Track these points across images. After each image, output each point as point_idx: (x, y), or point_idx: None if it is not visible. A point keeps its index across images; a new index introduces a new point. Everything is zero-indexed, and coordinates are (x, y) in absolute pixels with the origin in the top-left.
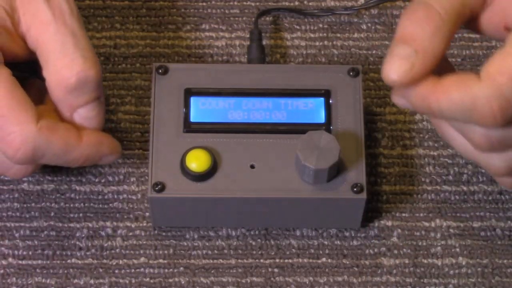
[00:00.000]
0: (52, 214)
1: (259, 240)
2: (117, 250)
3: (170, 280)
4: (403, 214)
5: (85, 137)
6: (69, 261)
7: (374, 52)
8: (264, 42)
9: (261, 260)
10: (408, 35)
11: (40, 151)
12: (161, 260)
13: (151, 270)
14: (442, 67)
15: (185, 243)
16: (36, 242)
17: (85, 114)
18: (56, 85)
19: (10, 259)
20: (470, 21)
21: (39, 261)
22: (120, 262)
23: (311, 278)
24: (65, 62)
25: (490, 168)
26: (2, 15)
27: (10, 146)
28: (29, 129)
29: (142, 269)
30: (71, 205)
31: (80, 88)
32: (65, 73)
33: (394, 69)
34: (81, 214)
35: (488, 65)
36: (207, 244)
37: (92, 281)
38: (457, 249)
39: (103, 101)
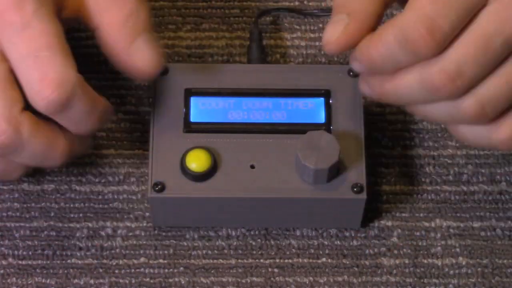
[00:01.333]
0: (52, 214)
1: (259, 240)
2: (117, 250)
3: (170, 280)
4: (403, 214)
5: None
6: (69, 261)
7: None
8: (264, 42)
9: (261, 260)
10: (341, 4)
11: (70, 103)
12: (161, 260)
13: (151, 270)
14: None
15: (185, 243)
16: (36, 242)
17: (142, 43)
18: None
19: (10, 259)
20: None
21: (39, 261)
22: (120, 262)
23: (311, 278)
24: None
25: (464, 113)
26: None
27: (48, 85)
28: (71, 75)
29: (142, 269)
30: (71, 205)
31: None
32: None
33: (329, 34)
34: (81, 214)
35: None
36: (207, 244)
37: (92, 281)
38: (457, 249)
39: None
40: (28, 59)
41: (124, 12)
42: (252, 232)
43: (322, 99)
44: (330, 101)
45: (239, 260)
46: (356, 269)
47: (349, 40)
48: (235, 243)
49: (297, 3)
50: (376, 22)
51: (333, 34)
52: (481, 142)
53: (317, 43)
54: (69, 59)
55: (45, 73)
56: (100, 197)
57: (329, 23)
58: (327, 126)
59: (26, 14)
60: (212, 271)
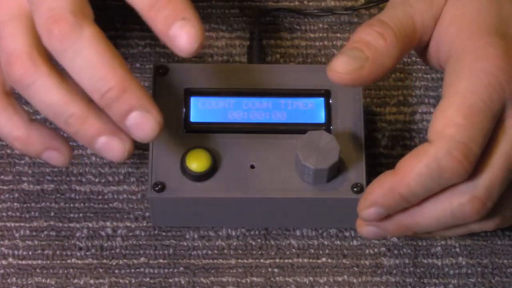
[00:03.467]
0: (52, 214)
1: (259, 240)
2: (117, 250)
3: (170, 280)
4: None
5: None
6: (69, 261)
7: None
8: (264, 42)
9: (261, 260)
10: (363, 42)
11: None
12: (161, 260)
13: (151, 270)
14: None
15: (185, 243)
16: (36, 242)
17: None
18: None
19: (10, 259)
20: (421, 52)
21: (39, 261)
22: (120, 262)
23: (311, 278)
24: None
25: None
26: None
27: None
28: None
29: (142, 269)
30: (71, 205)
31: None
32: None
33: (342, 63)
34: (81, 214)
35: (433, 126)
36: (207, 244)
37: (92, 281)
38: (457, 249)
39: None
40: None
41: None
42: (252, 232)
43: (322, 99)
44: (330, 101)
45: (239, 260)
46: (356, 269)
47: (358, 81)
48: (235, 243)
49: (297, 3)
50: (387, 74)
51: (345, 68)
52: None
53: (317, 43)
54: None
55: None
56: (100, 197)
57: (345, 53)
58: (327, 126)
59: None
60: (212, 271)
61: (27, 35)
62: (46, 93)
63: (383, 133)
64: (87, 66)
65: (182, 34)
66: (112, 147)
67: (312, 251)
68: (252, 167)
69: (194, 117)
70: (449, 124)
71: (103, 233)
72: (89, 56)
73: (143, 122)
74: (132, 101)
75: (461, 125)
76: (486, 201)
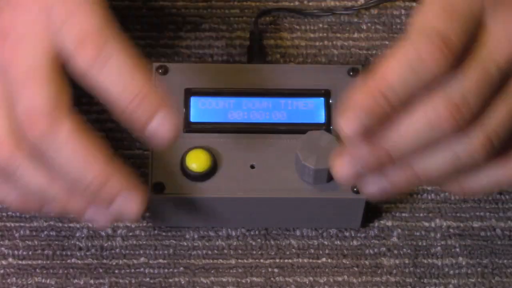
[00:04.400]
0: (52, 214)
1: (259, 240)
2: (117, 250)
3: (170, 280)
4: (403, 214)
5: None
6: (69, 261)
7: (374, 52)
8: (264, 42)
9: (261, 260)
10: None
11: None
12: (161, 260)
13: (151, 270)
14: None
15: (185, 243)
16: (36, 242)
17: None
18: None
19: (10, 259)
20: None
21: (39, 261)
22: (120, 262)
23: (311, 278)
24: None
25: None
26: None
27: (75, 35)
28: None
29: (142, 269)
30: None
31: None
32: None
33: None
34: None
35: (412, 25)
36: (207, 244)
37: (92, 281)
38: (457, 249)
39: None
40: (67, 23)
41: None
42: (252, 232)
43: (322, 99)
44: (330, 101)
45: (239, 260)
46: (356, 269)
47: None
48: (235, 243)
49: (297, 3)
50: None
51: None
52: (492, 187)
53: (317, 43)
54: (106, 17)
55: (83, 29)
56: None
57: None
58: (327, 126)
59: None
60: (212, 271)
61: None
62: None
63: None
64: (67, 162)
65: (164, 126)
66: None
67: (312, 251)
68: (252, 167)
69: (194, 117)
70: (429, 19)
71: (103, 233)
72: (68, 153)
73: (127, 204)
74: (115, 189)
75: (441, 17)
76: (461, 107)
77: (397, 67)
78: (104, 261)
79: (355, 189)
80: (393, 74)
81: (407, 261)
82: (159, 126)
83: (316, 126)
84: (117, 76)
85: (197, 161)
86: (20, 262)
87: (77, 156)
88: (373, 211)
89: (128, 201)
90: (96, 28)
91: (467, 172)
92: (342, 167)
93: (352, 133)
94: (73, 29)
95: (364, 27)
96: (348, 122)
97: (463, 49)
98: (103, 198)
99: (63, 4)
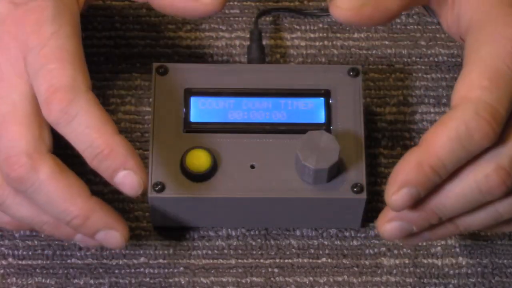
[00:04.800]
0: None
1: (259, 240)
2: (117, 250)
3: (170, 280)
4: None
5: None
6: (69, 261)
7: (374, 52)
8: (264, 42)
9: (261, 260)
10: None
11: (75, 114)
12: (161, 260)
13: (151, 270)
14: None
15: (185, 243)
16: (36, 242)
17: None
18: None
19: (10, 259)
20: (440, 15)
21: (39, 261)
22: (120, 262)
23: (311, 278)
24: None
25: None
26: None
27: (54, 93)
28: (79, 83)
29: (142, 269)
30: None
31: None
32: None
33: (343, 1)
34: None
35: (456, 92)
36: (207, 244)
37: (92, 281)
38: (457, 249)
39: None
40: (40, 72)
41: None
42: (252, 232)
43: (322, 99)
44: (330, 101)
45: (239, 260)
46: (356, 269)
47: (360, 20)
48: (235, 243)
49: (297, 3)
50: (391, 19)
51: (348, 4)
52: None
53: (317, 43)
54: (80, 70)
55: (52, 83)
56: (100, 197)
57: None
58: (327, 126)
59: (44, 37)
60: (212, 271)
61: None
62: None
63: (383, 133)
64: (47, 202)
65: (125, 183)
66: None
67: (312, 251)
68: (252, 167)
69: (194, 117)
70: (474, 87)
71: None
72: (48, 194)
73: (109, 238)
74: (95, 226)
75: (486, 88)
76: (510, 171)
77: (447, 142)
78: (104, 261)
79: (355, 189)
80: (443, 149)
81: (407, 261)
82: (123, 181)
83: (316, 126)
84: (82, 133)
85: (197, 161)
86: (20, 262)
87: (57, 196)
88: (373, 211)
89: (110, 236)
90: (66, 82)
91: (506, 224)
92: (392, 230)
93: (403, 207)
94: (44, 81)
95: (364, 27)
96: (398, 197)
97: (508, 116)
98: (87, 232)
99: (41, 48)
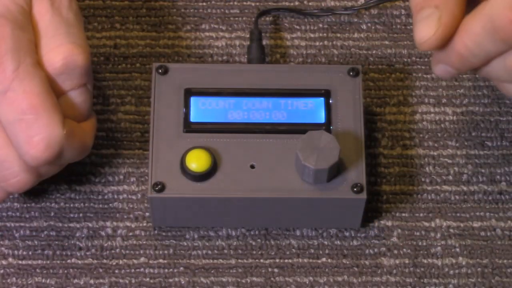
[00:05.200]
0: (52, 214)
1: (259, 240)
2: (117, 250)
3: (170, 280)
4: (403, 214)
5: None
6: (69, 261)
7: (374, 52)
8: (264, 42)
9: (261, 260)
10: (424, 2)
11: (60, 155)
12: (161, 260)
13: (151, 270)
14: None
15: (185, 243)
16: (36, 242)
17: (70, 100)
18: (44, 69)
19: (10, 259)
20: None
21: (39, 261)
22: (120, 262)
23: (311, 278)
24: (54, 46)
25: None
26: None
27: (35, 147)
28: (57, 134)
29: (142, 269)
30: (71, 205)
31: (66, 72)
32: (53, 57)
33: (424, 32)
34: (81, 214)
35: None
36: (207, 244)
37: (92, 281)
38: (457, 249)
39: (91, 89)
40: (14, 123)
41: (58, 64)
42: (252, 232)
43: (322, 99)
44: (330, 101)
45: (239, 260)
46: (356, 269)
47: (446, 33)
48: (235, 243)
49: (297, 3)
50: (465, 8)
51: (429, 31)
52: None
53: (317, 43)
54: (54, 116)
55: (31, 136)
56: (100, 197)
57: (419, 21)
58: (327, 126)
59: (6, 77)
60: (212, 271)
61: None
62: None
63: (383, 133)
64: None
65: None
66: None
67: (312, 251)
68: (252, 167)
69: (194, 117)
70: None
71: (103, 233)
72: None
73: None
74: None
75: None
76: None
77: (473, 32)
78: (104, 261)
79: (355, 189)
80: (470, 41)
81: (407, 261)
82: None
83: (316, 126)
84: None
85: (197, 161)
86: (20, 262)
87: None
88: (373, 211)
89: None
90: (45, 134)
91: None
92: (441, 73)
93: (443, 76)
94: (22, 132)
95: (364, 27)
96: (437, 70)
97: None
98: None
99: (4, 92)
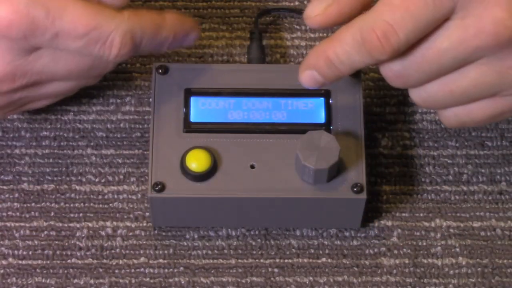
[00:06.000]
0: (52, 214)
1: (259, 240)
2: (117, 250)
3: (170, 280)
4: (403, 214)
5: (167, 15)
6: (69, 261)
7: None
8: (264, 42)
9: (261, 260)
10: None
11: (137, 38)
12: (161, 260)
13: (151, 270)
14: None
15: (185, 243)
16: (36, 242)
17: None
18: None
19: (10, 259)
20: None
21: (39, 261)
22: (120, 262)
23: (311, 278)
24: None
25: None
26: None
27: (113, 46)
28: (122, 23)
29: (142, 269)
30: (71, 205)
31: None
32: None
33: (310, 10)
34: (81, 214)
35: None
36: (207, 244)
37: (92, 281)
38: (457, 249)
39: None
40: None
41: None
42: (252, 232)
43: (322, 99)
44: (330, 101)
45: (239, 260)
46: (356, 269)
47: (327, 21)
48: (235, 243)
49: (297, 3)
50: (359, 10)
51: (314, 11)
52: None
53: (317, 43)
54: (109, 11)
55: (104, 42)
56: (100, 197)
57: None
58: (327, 126)
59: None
60: (212, 271)
61: None
62: None
63: (383, 133)
64: None
65: None
66: None
67: (312, 251)
68: (252, 167)
69: (194, 117)
70: (386, 2)
71: (103, 233)
72: None
73: None
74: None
75: (395, 6)
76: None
77: (342, 40)
78: (104, 261)
79: (355, 189)
80: (339, 47)
81: (407, 261)
82: None
83: (316, 126)
84: None
85: (197, 161)
86: (20, 262)
87: None
88: (373, 211)
89: None
90: None
91: None
92: (307, 79)
93: (308, 85)
94: None
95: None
96: (304, 77)
97: (410, 42)
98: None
99: None
